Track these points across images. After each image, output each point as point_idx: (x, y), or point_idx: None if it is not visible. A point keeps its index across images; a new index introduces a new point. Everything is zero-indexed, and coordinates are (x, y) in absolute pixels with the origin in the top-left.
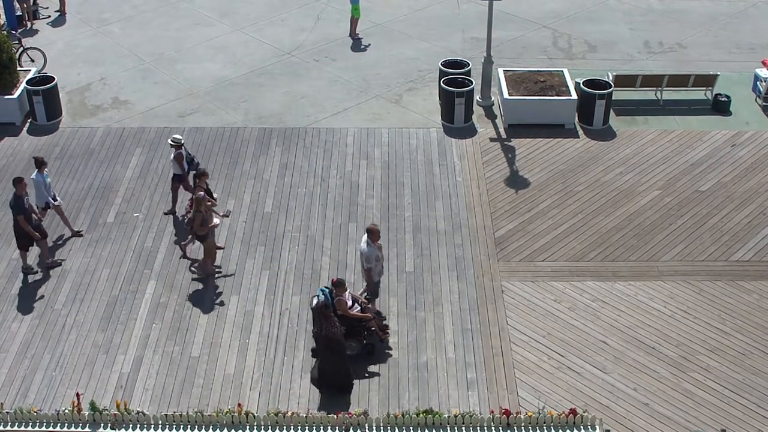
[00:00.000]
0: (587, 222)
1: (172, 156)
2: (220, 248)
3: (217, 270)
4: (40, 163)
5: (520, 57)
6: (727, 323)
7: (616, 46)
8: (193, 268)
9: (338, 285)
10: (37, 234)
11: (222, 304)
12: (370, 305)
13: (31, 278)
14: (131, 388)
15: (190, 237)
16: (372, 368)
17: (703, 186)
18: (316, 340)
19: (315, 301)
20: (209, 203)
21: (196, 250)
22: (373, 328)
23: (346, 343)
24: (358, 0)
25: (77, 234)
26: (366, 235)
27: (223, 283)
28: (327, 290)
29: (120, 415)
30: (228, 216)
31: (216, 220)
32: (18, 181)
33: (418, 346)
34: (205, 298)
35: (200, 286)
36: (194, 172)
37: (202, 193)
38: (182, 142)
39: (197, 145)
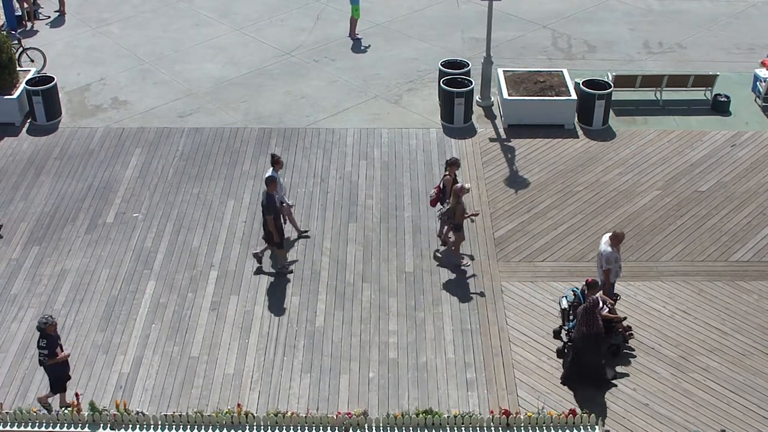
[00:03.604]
0: (587, 222)
1: None
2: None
3: (465, 263)
4: (275, 162)
5: (520, 57)
6: (727, 323)
7: (616, 47)
8: (439, 255)
9: (592, 286)
10: (278, 236)
11: (221, 304)
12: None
13: (32, 279)
14: (131, 388)
15: (446, 228)
16: (372, 368)
17: (702, 186)
18: (583, 338)
19: (564, 301)
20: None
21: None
22: (620, 330)
23: None
24: (359, 0)
25: (304, 235)
26: (607, 236)
27: (223, 283)
28: (578, 290)
29: (119, 415)
30: (477, 214)
31: (477, 209)
32: (270, 180)
33: (418, 346)
34: (205, 298)
35: (197, 286)
36: (448, 159)
37: (461, 184)
38: None
39: (197, 145)
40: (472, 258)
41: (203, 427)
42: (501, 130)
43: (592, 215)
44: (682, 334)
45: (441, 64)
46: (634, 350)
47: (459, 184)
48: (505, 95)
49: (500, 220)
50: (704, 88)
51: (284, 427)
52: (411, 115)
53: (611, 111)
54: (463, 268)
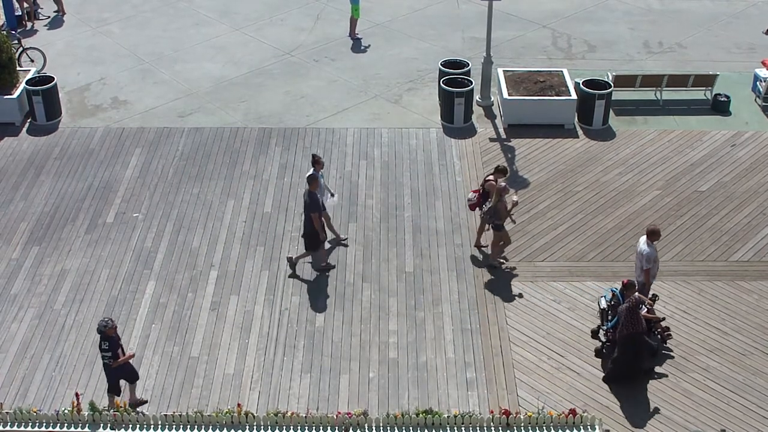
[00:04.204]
0: (587, 222)
1: None
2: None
3: (502, 261)
4: (315, 162)
5: (520, 57)
6: (727, 323)
7: (616, 46)
8: (496, 261)
9: (629, 287)
10: (324, 234)
11: (221, 304)
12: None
13: (32, 279)
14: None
15: (487, 227)
16: (372, 368)
17: (702, 186)
18: (625, 337)
19: (603, 301)
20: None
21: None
22: (658, 330)
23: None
24: (359, 0)
25: (343, 243)
26: (645, 236)
27: (223, 283)
28: (616, 290)
29: (119, 415)
30: (516, 204)
31: (515, 197)
32: (312, 179)
33: (418, 346)
34: (205, 298)
35: (197, 286)
36: (497, 166)
37: (504, 183)
38: None
39: (197, 145)
40: (505, 260)
41: (203, 427)
42: (501, 130)
43: (592, 215)
44: (682, 334)
45: (441, 64)
46: (672, 350)
47: (502, 184)
48: (505, 95)
49: None
50: (704, 88)
51: (284, 427)
52: (411, 115)
53: (611, 111)
54: (495, 267)
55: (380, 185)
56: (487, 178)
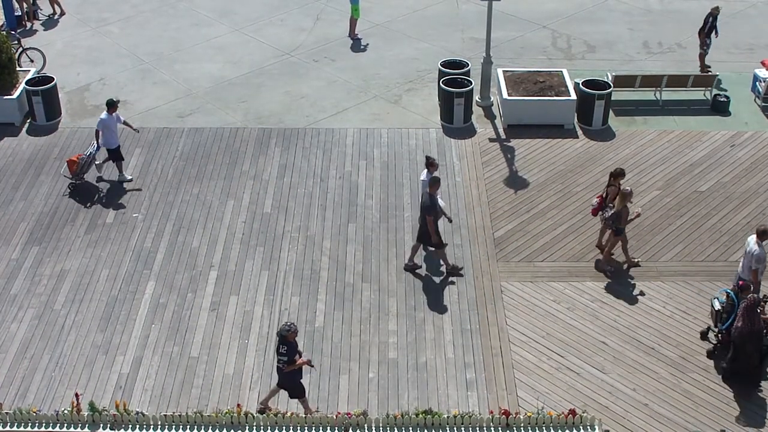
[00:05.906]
0: (586, 222)
1: None
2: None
3: (610, 269)
4: (430, 164)
5: (520, 57)
6: None
7: (616, 47)
8: (607, 266)
9: (745, 288)
10: (440, 239)
11: (221, 304)
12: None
13: (32, 279)
14: (130, 388)
15: (609, 232)
16: (372, 368)
17: (702, 186)
18: (743, 335)
19: (717, 303)
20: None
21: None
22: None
23: None
24: (358, 0)
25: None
26: (755, 236)
27: (222, 283)
28: (730, 291)
29: (119, 415)
30: (638, 215)
31: (639, 209)
32: (435, 182)
33: (418, 346)
34: (204, 299)
35: (196, 286)
36: (612, 171)
37: (629, 188)
38: None
39: (197, 145)
40: (637, 265)
41: (203, 427)
42: (501, 130)
43: (592, 215)
44: (681, 334)
45: (441, 64)
46: None
47: (627, 189)
48: (505, 95)
49: (500, 220)
50: (704, 88)
51: (284, 427)
52: (411, 115)
53: (611, 111)
54: (606, 271)
55: (380, 185)
56: (609, 184)
